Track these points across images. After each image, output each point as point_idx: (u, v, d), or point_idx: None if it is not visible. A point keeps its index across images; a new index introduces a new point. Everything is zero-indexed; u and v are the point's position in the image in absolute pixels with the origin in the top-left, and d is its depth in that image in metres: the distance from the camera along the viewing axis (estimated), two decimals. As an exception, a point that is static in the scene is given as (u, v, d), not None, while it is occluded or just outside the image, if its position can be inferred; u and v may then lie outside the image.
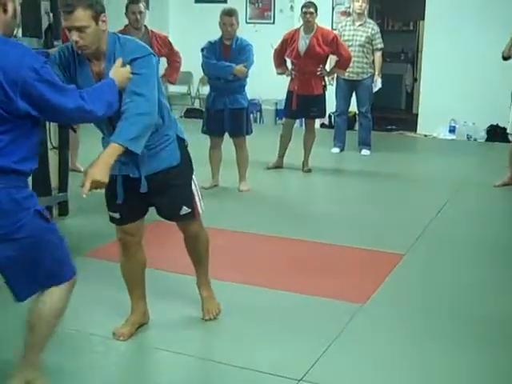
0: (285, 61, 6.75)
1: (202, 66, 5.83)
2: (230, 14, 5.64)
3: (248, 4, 10.06)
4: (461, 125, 8.86)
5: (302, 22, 6.52)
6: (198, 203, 3.11)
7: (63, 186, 4.99)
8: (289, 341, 3.18)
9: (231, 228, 4.85)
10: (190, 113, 9.79)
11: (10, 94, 2.15)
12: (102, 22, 2.64)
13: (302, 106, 6.54)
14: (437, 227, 5.00)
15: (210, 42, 5.75)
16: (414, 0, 9.42)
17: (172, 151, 2.95)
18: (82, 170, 6.69)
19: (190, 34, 9.17)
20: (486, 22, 8.26)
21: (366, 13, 7.66)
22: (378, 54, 7.54)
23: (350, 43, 7.32)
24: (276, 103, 9.53)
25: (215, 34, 5.76)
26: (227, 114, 5.75)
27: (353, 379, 2.90)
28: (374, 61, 7.55)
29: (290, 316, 3.46)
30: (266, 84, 8.22)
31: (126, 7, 5.63)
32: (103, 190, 2.78)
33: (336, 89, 7.68)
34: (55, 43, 4.52)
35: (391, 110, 10.53)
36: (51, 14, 4.64)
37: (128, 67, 2.67)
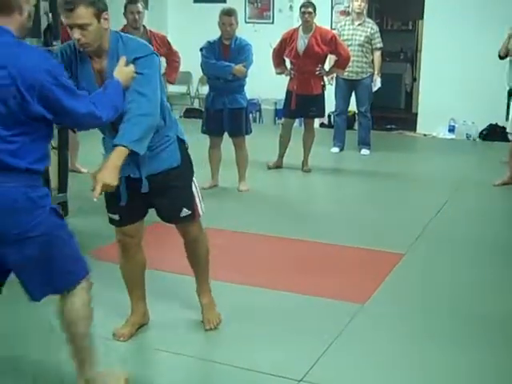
0: (284, 60, 6.75)
1: (201, 65, 5.83)
2: (229, 13, 5.64)
3: (247, 4, 10.05)
4: (460, 124, 8.85)
5: (300, 22, 6.52)
6: (199, 205, 3.10)
7: (63, 186, 4.98)
8: (289, 341, 3.18)
9: (231, 228, 4.85)
10: (190, 113, 9.78)
11: (26, 97, 2.17)
12: (104, 19, 2.64)
13: (301, 105, 6.54)
14: (436, 226, 5.00)
15: (209, 42, 5.75)
16: (413, -1, 9.42)
17: (172, 152, 2.94)
18: (82, 170, 6.68)
19: (189, 33, 9.17)
20: (485, 21, 8.26)
21: (365, 12, 7.65)
22: (378, 54, 7.54)
23: (350, 43, 7.31)
24: (275, 103, 9.52)
25: (214, 33, 5.76)
26: (226, 114, 5.75)
27: (353, 379, 2.90)
28: (373, 60, 7.55)
29: (290, 316, 3.46)
30: (265, 84, 8.21)
31: (125, 7, 5.63)
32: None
33: (335, 88, 7.68)
34: (54, 43, 4.52)
35: (391, 109, 10.51)
36: (50, 14, 4.64)
37: (132, 66, 2.67)
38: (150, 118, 2.67)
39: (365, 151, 7.76)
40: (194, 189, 3.08)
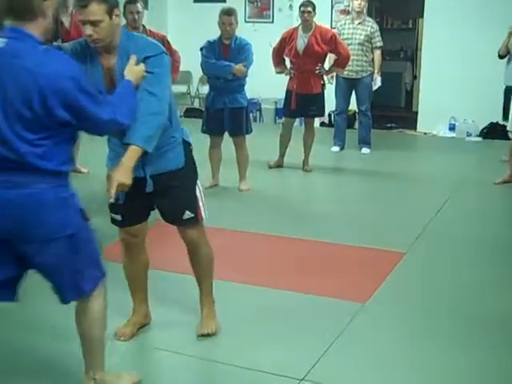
0: (283, 60, 6.75)
1: (201, 65, 5.83)
2: (228, 13, 5.64)
3: (247, 3, 10.06)
4: (460, 122, 8.85)
5: (300, 21, 6.52)
6: (202, 209, 3.07)
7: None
8: (290, 340, 3.19)
9: (231, 227, 4.85)
10: (190, 112, 9.78)
11: (52, 103, 2.21)
12: (116, 16, 2.65)
13: (301, 104, 6.54)
14: (437, 226, 5.00)
15: (209, 42, 5.75)
16: (413, -2, 9.42)
17: (177, 153, 2.94)
18: (83, 170, 6.68)
19: (188, 33, 9.17)
20: (486, 19, 8.26)
21: (365, 11, 7.65)
22: (378, 53, 7.54)
23: (350, 41, 7.31)
24: (276, 102, 9.53)
25: (214, 33, 5.76)
26: (227, 114, 5.75)
27: (354, 378, 2.91)
28: (373, 59, 7.55)
29: (291, 315, 3.46)
30: (265, 83, 8.22)
31: (124, 7, 5.62)
32: (105, 191, 2.78)
33: (336, 87, 7.68)
34: (54, 43, 4.51)
35: (391, 108, 10.52)
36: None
37: (142, 65, 2.68)
38: (159, 117, 2.69)
39: (365, 150, 7.76)
40: (197, 192, 3.05)
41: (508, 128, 6.39)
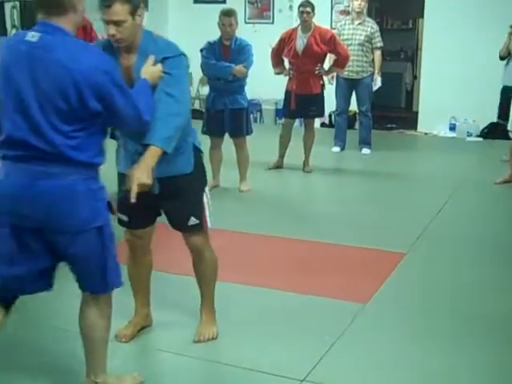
0: (282, 60, 6.74)
1: (201, 66, 5.84)
2: (228, 14, 5.64)
3: (247, 4, 10.05)
4: (461, 122, 8.85)
5: (299, 22, 6.53)
6: (208, 217, 3.05)
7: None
8: (291, 341, 3.19)
9: (232, 228, 4.85)
10: (190, 113, 9.77)
11: (86, 95, 2.25)
12: (138, 16, 2.67)
13: (300, 105, 6.54)
14: (437, 226, 5.01)
15: (209, 43, 5.76)
16: (413, -2, 9.42)
17: (187, 158, 2.93)
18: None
19: (189, 34, 9.15)
20: (486, 19, 8.26)
21: (365, 11, 7.65)
22: (378, 53, 7.54)
23: (350, 42, 7.32)
24: (276, 103, 9.52)
25: (214, 34, 5.76)
26: (227, 115, 5.75)
27: (355, 379, 2.91)
28: (373, 59, 7.55)
29: (291, 316, 3.46)
30: (265, 84, 8.21)
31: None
32: (112, 190, 2.79)
33: (336, 88, 7.69)
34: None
35: (391, 108, 10.52)
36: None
37: (159, 65, 2.69)
38: (178, 117, 2.71)
39: (366, 150, 7.76)
40: (204, 199, 3.03)
41: (508, 128, 6.39)
